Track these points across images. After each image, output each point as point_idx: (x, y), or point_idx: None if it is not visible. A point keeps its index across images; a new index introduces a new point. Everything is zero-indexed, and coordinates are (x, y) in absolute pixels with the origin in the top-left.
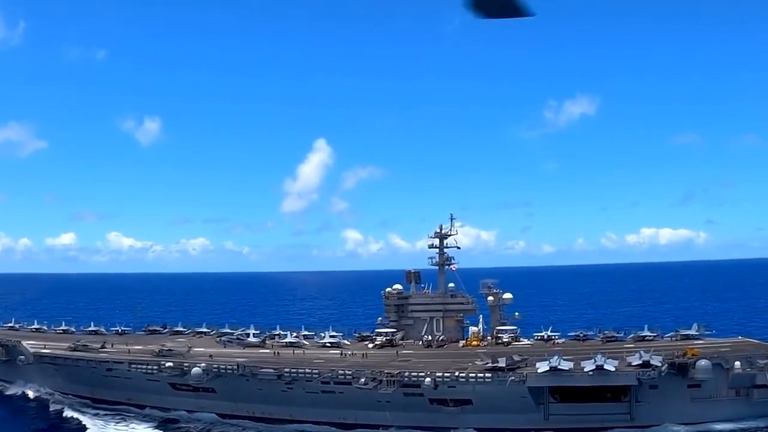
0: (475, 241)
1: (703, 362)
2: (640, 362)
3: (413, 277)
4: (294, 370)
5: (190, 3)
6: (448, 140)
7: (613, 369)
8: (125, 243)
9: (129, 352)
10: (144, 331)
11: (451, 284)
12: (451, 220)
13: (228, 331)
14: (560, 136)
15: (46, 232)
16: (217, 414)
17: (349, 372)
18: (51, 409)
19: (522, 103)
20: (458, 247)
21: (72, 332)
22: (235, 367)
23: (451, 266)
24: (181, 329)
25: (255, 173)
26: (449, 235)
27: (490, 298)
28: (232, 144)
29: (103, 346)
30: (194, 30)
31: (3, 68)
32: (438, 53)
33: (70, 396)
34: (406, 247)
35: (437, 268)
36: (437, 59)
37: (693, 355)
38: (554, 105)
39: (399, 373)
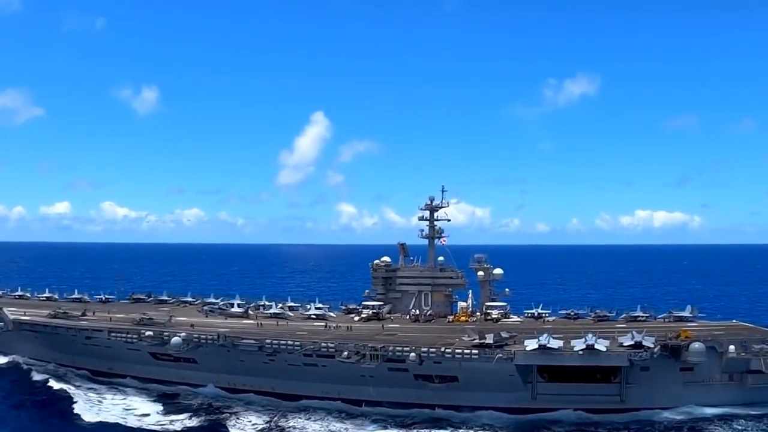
0: (470, 218)
1: (696, 345)
2: (632, 343)
3: (402, 250)
4: (275, 342)
5: None
6: (446, 116)
7: (604, 349)
8: (119, 212)
9: (110, 320)
10: (128, 299)
11: (441, 258)
12: (443, 192)
13: (212, 300)
14: (558, 114)
15: (40, 201)
16: (199, 385)
17: (332, 345)
18: (34, 378)
19: (521, 81)
20: (448, 220)
21: (55, 299)
22: (216, 337)
23: (442, 239)
24: (166, 298)
25: (251, 145)
26: (440, 208)
27: (480, 273)
28: (229, 115)
29: (83, 314)
30: (194, 0)
31: (1, 33)
32: (438, 29)
33: (53, 364)
34: (400, 222)
35: (427, 241)
36: (437, 35)
37: (686, 337)
38: (554, 83)
39: (383, 347)
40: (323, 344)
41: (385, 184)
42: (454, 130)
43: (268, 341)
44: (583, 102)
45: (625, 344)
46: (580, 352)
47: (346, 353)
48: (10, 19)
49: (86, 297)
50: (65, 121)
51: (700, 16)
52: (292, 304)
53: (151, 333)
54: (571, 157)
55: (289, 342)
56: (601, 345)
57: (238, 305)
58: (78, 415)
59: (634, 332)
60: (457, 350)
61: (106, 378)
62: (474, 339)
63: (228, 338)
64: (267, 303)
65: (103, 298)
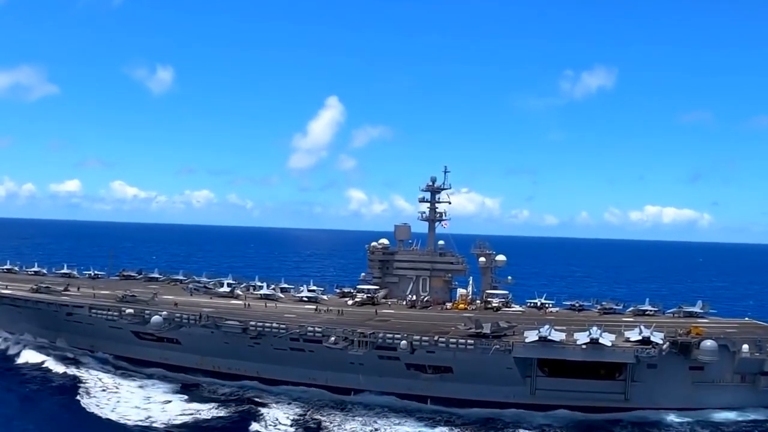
0: (479, 208)
1: (708, 343)
2: (640, 338)
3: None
4: (260, 324)
5: None
6: (461, 103)
7: (609, 344)
8: (129, 192)
9: (93, 296)
10: (118, 276)
11: (441, 242)
12: (445, 173)
13: (202, 279)
14: (574, 106)
15: (50, 178)
16: (183, 367)
17: (319, 329)
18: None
19: (537, 71)
20: (449, 203)
21: (43, 274)
22: (198, 317)
23: (443, 223)
24: (156, 276)
25: (264, 127)
26: (442, 190)
27: (482, 259)
28: (243, 97)
29: (66, 289)
30: None
31: (20, 10)
32: (455, 16)
33: (39, 340)
34: (409, 209)
35: (427, 224)
36: (454, 22)
37: (697, 334)
38: (570, 75)
39: (372, 333)
40: (310, 328)
41: (396, 170)
42: (468, 118)
43: (253, 323)
44: (599, 94)
45: (631, 339)
46: (584, 347)
47: (333, 338)
48: None
49: (75, 272)
50: (79, 99)
51: (718, 11)
52: (285, 285)
53: (131, 311)
54: (583, 150)
55: (274, 325)
56: (606, 339)
57: (228, 285)
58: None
59: (642, 327)
60: (451, 340)
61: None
62: (470, 328)
63: (210, 318)
64: (258, 284)
65: (92, 274)
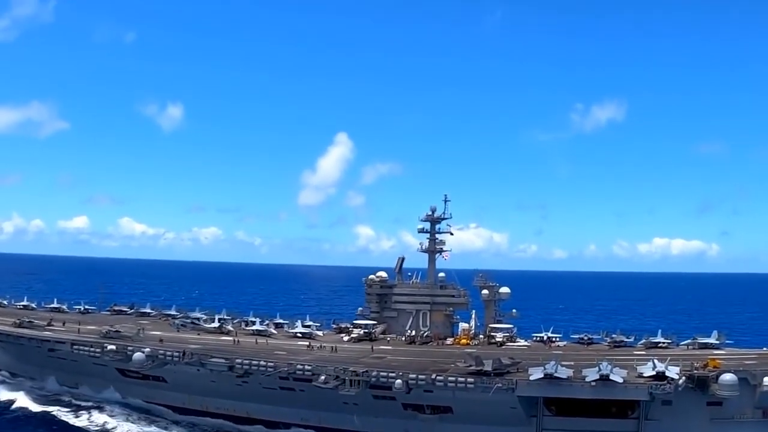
0: (487, 243)
1: (727, 376)
2: (654, 373)
3: (399, 265)
4: (247, 362)
5: None
6: (470, 138)
7: (620, 380)
8: (137, 229)
9: (78, 331)
10: (109, 310)
11: (442, 274)
12: (445, 202)
13: (197, 314)
14: (584, 139)
15: (59, 215)
16: (169, 407)
17: (309, 367)
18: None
19: (547, 104)
20: (451, 233)
21: (32, 308)
22: (182, 354)
23: (444, 254)
24: (149, 311)
25: (274, 164)
26: (442, 219)
27: (485, 291)
28: (253, 134)
29: (49, 324)
30: (221, 18)
31: (33, 45)
32: (466, 51)
33: (21, 377)
34: (416, 245)
35: (426, 255)
36: (465, 58)
37: (715, 367)
38: (580, 108)
39: (365, 372)
40: (299, 366)
41: (405, 206)
42: (478, 152)
43: (239, 361)
44: (609, 127)
45: (645, 375)
46: (593, 383)
47: (323, 377)
48: (42, 30)
49: (64, 307)
50: (89, 135)
51: (733, 41)
52: (280, 321)
53: (114, 347)
54: (593, 183)
55: (262, 363)
56: (617, 375)
57: (219, 320)
58: None
59: (656, 361)
60: (450, 378)
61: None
62: (470, 365)
63: (195, 355)
64: (252, 319)
65: (82, 309)
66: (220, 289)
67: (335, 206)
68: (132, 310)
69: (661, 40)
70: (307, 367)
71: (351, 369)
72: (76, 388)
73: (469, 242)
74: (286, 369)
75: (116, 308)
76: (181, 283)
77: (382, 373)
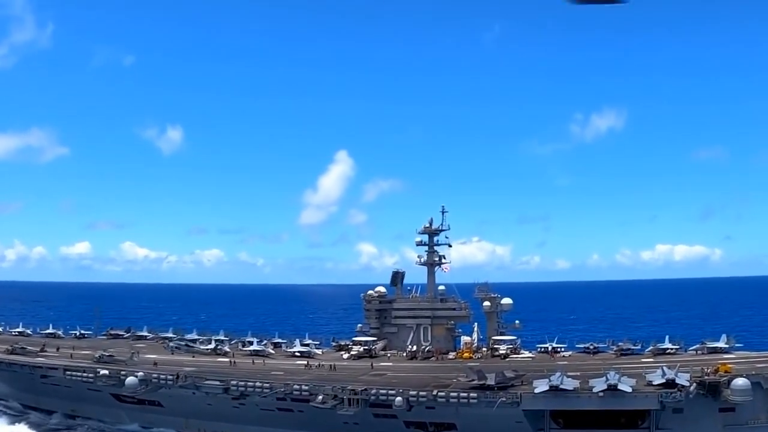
0: (490, 256)
1: (740, 381)
2: (663, 381)
3: (398, 279)
4: (242, 384)
5: (217, 10)
6: (470, 152)
7: (629, 389)
8: (140, 253)
9: (71, 357)
10: (105, 335)
11: (442, 287)
12: (443, 213)
13: (194, 336)
14: (585, 149)
15: (61, 241)
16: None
17: (306, 387)
18: None
19: (546, 115)
20: (449, 245)
21: (27, 335)
22: (176, 377)
23: (443, 267)
24: (145, 334)
25: (274, 185)
26: (440, 231)
27: (487, 303)
28: (253, 155)
29: (42, 349)
30: (219, 39)
31: (30, 71)
32: (465, 67)
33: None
34: (416, 259)
35: (426, 268)
36: (464, 73)
37: (726, 372)
38: (580, 118)
39: (364, 390)
40: (296, 387)
41: (407, 222)
42: (478, 166)
43: (234, 383)
44: (609, 136)
45: (654, 383)
46: (600, 394)
47: (321, 397)
48: (39, 56)
49: (60, 332)
50: (89, 160)
51: (733, 45)
52: (279, 340)
53: (106, 372)
54: (595, 193)
55: (258, 384)
56: (626, 384)
57: (215, 341)
58: None
59: (665, 368)
60: (452, 393)
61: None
62: (472, 380)
63: (189, 378)
64: (249, 339)
65: (78, 334)
66: (228, 311)
67: (337, 224)
68: (128, 334)
69: (659, 47)
70: (304, 387)
71: (349, 387)
72: (72, 416)
73: (472, 256)
74: (282, 390)
75: (112, 332)
76: (189, 306)
77: (381, 391)
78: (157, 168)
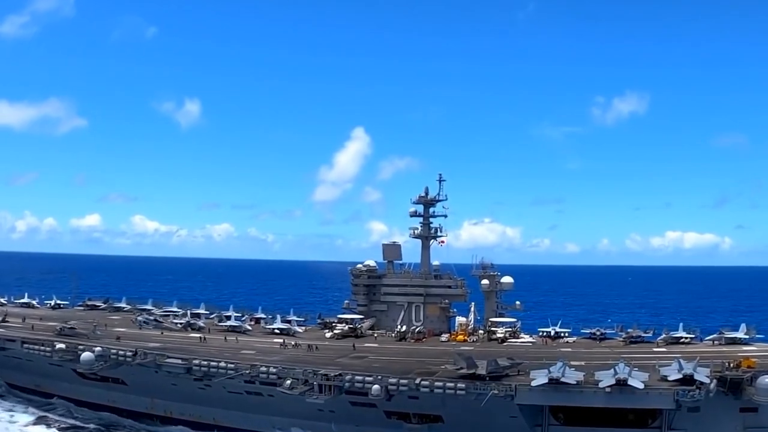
0: (500, 238)
1: (766, 379)
2: (680, 376)
3: (396, 252)
4: (205, 363)
5: None
6: (488, 132)
7: (641, 385)
8: (150, 226)
9: (32, 328)
10: (81, 305)
11: (436, 262)
12: (440, 182)
13: (175, 309)
14: (603, 132)
15: (72, 213)
16: (131, 412)
17: (274, 370)
18: None
19: (567, 98)
20: (445, 216)
21: (2, 304)
22: (134, 353)
23: (440, 240)
24: (123, 305)
25: (290, 161)
26: (437, 201)
27: (485, 281)
28: (271, 130)
29: (4, 320)
30: (240, 15)
31: (51, 40)
32: (485, 46)
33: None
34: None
35: (419, 241)
36: (483, 52)
37: (749, 367)
38: (601, 101)
39: (338, 375)
40: (263, 369)
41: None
42: (495, 147)
43: (197, 362)
44: (631, 121)
45: (670, 378)
46: (608, 390)
47: (288, 382)
48: (62, 24)
49: (35, 302)
50: (107, 132)
51: (755, 31)
52: (260, 315)
53: (63, 346)
54: (611, 177)
55: (222, 364)
56: (637, 380)
57: (192, 315)
58: None
59: (682, 361)
60: (437, 383)
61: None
62: (461, 368)
63: (149, 355)
64: (228, 314)
65: (53, 304)
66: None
67: (351, 202)
68: (106, 305)
69: (682, 34)
70: (272, 369)
71: (322, 372)
72: (32, 392)
73: (482, 237)
74: (248, 371)
75: (89, 303)
76: (192, 279)
77: (357, 377)
78: (174, 142)
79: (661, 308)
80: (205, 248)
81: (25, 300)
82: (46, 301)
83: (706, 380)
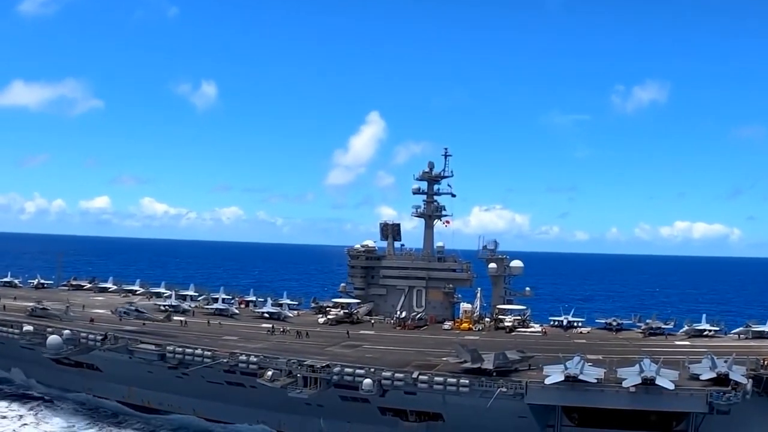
0: (509, 224)
1: None
2: (713, 375)
3: (390, 232)
4: (180, 350)
5: None
6: (504, 119)
7: (671, 386)
8: (158, 209)
9: (4, 308)
10: (66, 285)
11: (440, 243)
12: (445, 157)
13: (162, 290)
14: (622, 120)
15: (81, 195)
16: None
17: (254, 360)
18: None
19: (586, 86)
20: (453, 195)
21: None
22: (102, 337)
23: (444, 220)
24: (109, 286)
25: (305, 145)
26: (442, 177)
27: (493, 265)
28: (287, 113)
29: None
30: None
31: (73, 20)
32: (503, 32)
33: None
34: (438, 226)
35: (423, 220)
36: (501, 38)
37: None
38: (621, 90)
39: (326, 367)
40: (243, 358)
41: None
42: (513, 132)
43: (171, 348)
44: (651, 110)
45: (702, 377)
46: (632, 389)
47: (270, 373)
48: (83, 3)
49: (18, 281)
50: (123, 114)
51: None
52: (251, 298)
53: (31, 328)
54: (627, 166)
55: (198, 351)
56: (665, 379)
57: (178, 297)
58: None
59: (714, 358)
60: (437, 378)
61: None
62: (464, 361)
63: (120, 340)
64: (216, 296)
65: (36, 283)
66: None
67: (363, 186)
68: (91, 284)
69: (700, 24)
70: (252, 358)
71: (308, 363)
72: (7, 373)
73: (491, 223)
74: (226, 360)
75: (74, 283)
76: (200, 261)
77: (347, 370)
78: (189, 124)
79: (674, 299)
80: (214, 231)
81: (8, 279)
82: (29, 281)
83: (743, 380)
